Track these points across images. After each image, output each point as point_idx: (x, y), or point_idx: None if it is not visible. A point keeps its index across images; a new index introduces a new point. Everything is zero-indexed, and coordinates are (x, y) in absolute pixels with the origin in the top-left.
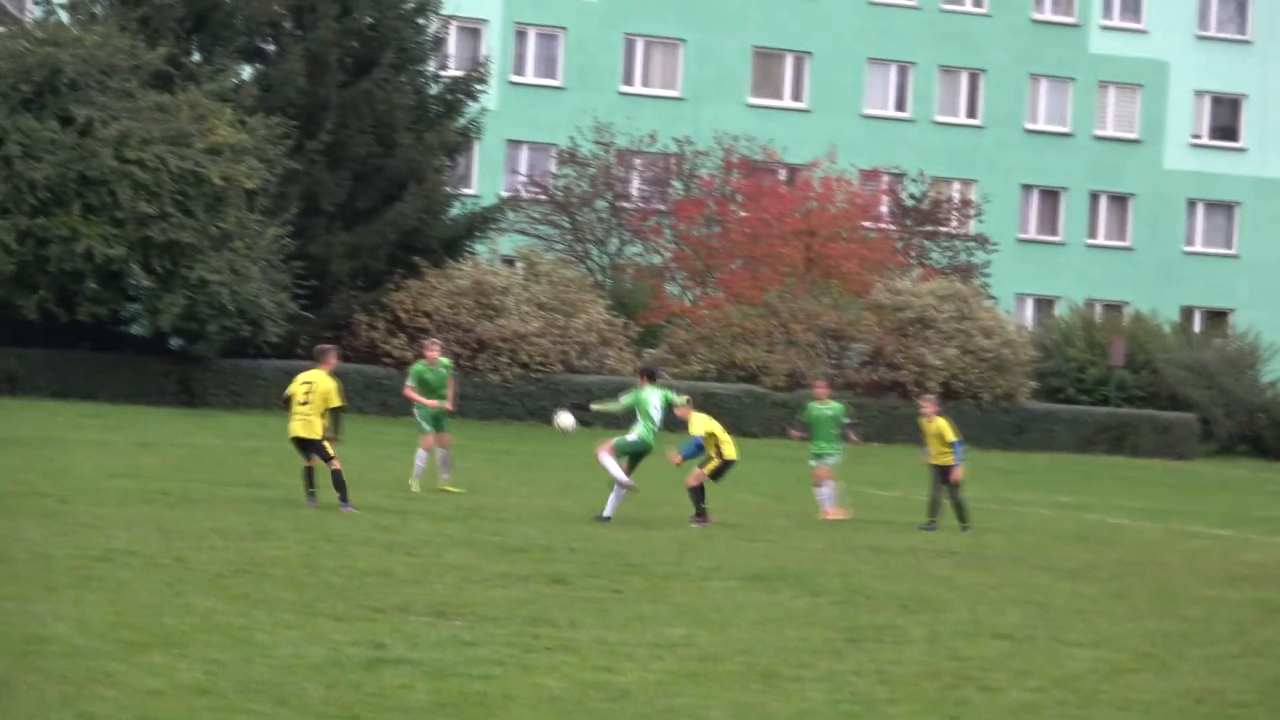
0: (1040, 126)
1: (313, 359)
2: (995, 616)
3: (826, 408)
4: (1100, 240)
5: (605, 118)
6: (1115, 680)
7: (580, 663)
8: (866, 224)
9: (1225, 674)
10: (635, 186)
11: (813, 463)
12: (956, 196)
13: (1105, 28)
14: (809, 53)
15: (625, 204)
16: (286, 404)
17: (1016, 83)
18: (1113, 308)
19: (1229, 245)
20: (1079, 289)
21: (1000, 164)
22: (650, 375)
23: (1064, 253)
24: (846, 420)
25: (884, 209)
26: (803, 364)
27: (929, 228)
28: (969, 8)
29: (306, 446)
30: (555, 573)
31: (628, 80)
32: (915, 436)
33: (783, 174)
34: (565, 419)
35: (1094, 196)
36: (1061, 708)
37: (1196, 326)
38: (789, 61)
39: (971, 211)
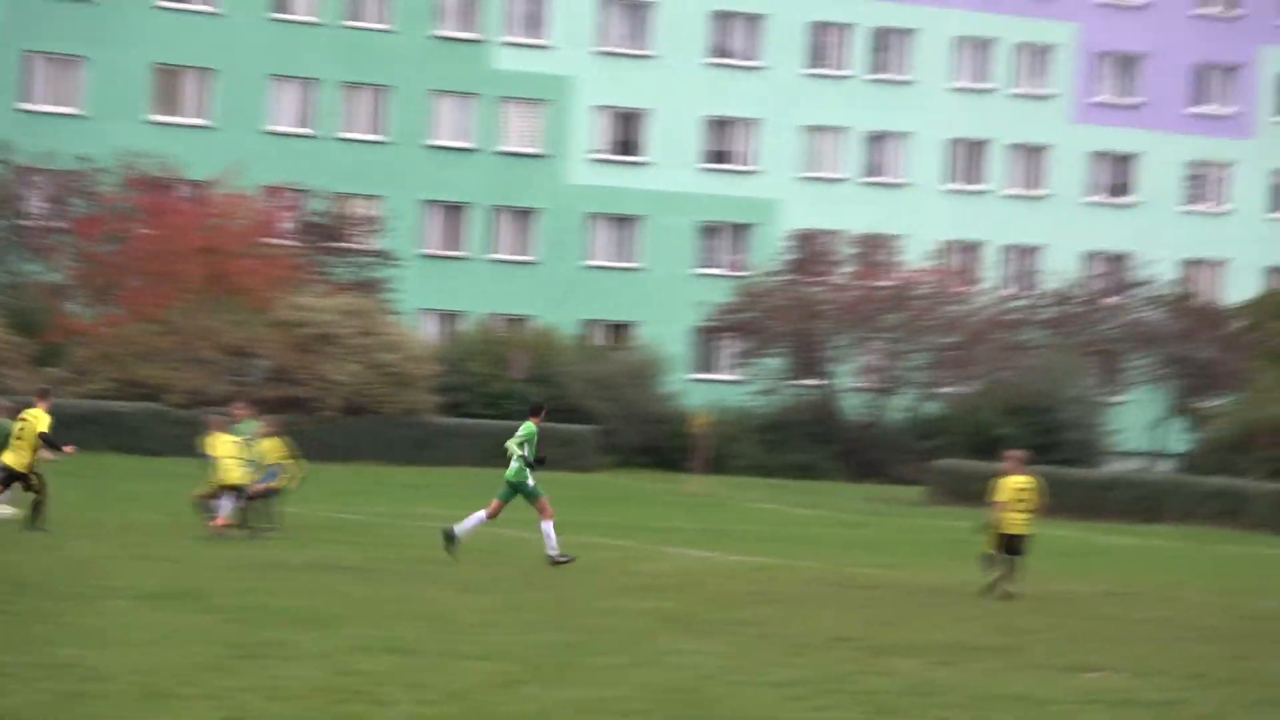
0: (444, 142)
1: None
2: (389, 630)
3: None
4: (503, 255)
5: (4, 135)
6: (507, 691)
7: None
8: (270, 240)
9: (616, 683)
10: (35, 204)
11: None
12: (361, 212)
13: (508, 44)
14: (212, 69)
15: (26, 222)
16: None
17: (420, 99)
18: (516, 321)
19: (631, 259)
20: (483, 303)
21: (404, 180)
22: (535, 411)
23: (467, 268)
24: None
25: (288, 225)
26: (205, 381)
27: (333, 244)
28: (372, 24)
29: (13, 477)
30: None
31: (28, 97)
32: (316, 453)
33: (186, 191)
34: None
35: (497, 211)
36: None
37: (599, 340)
38: (191, 78)
39: (375, 227)
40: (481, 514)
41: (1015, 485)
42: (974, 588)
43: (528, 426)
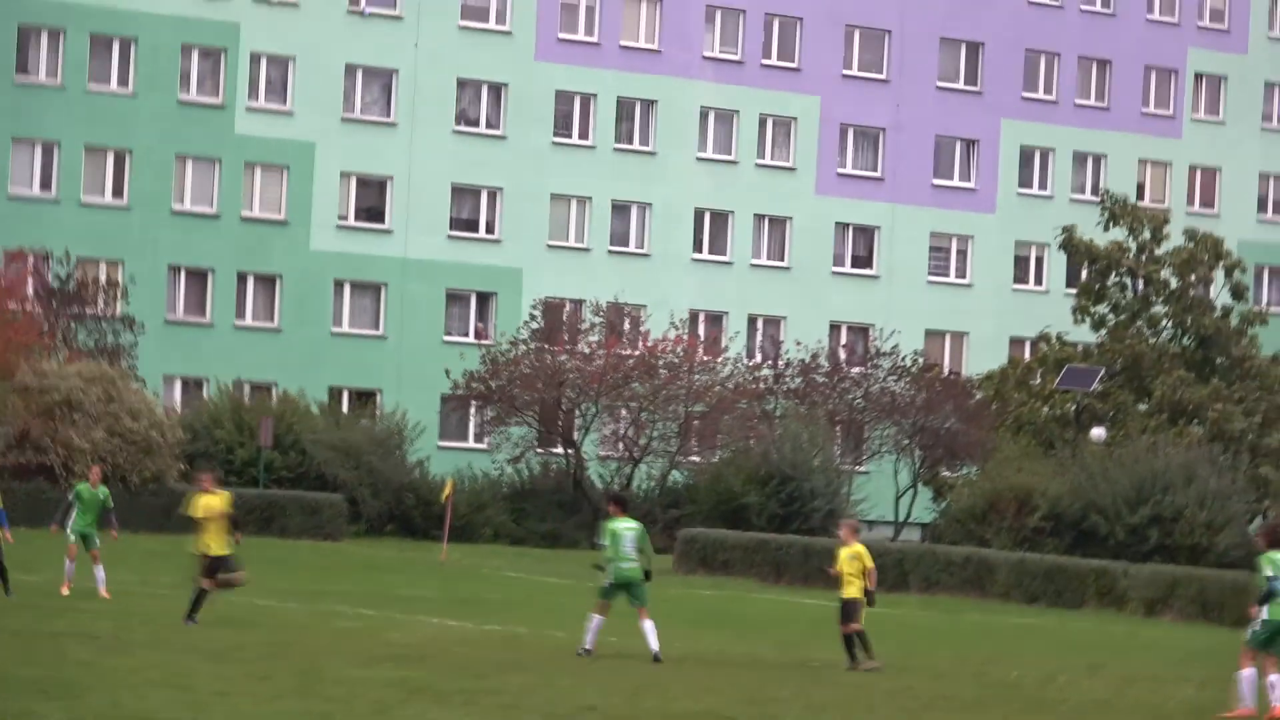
0: (187, 208)
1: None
2: (137, 700)
3: (99, 491)
4: (249, 321)
5: None
6: None
7: None
8: (12, 306)
9: None
10: None
11: (71, 537)
12: (103, 278)
13: (251, 109)
14: None
15: None
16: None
17: (163, 163)
18: (262, 388)
19: (376, 326)
20: (228, 370)
21: (148, 245)
22: (620, 504)
23: (212, 334)
24: (110, 507)
25: (30, 290)
26: None
27: (75, 309)
28: (114, 87)
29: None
30: None
31: None
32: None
33: None
34: None
35: (242, 278)
36: None
37: (345, 407)
38: None
39: (118, 293)
40: (646, 624)
41: (852, 553)
42: (734, 658)
43: (638, 525)
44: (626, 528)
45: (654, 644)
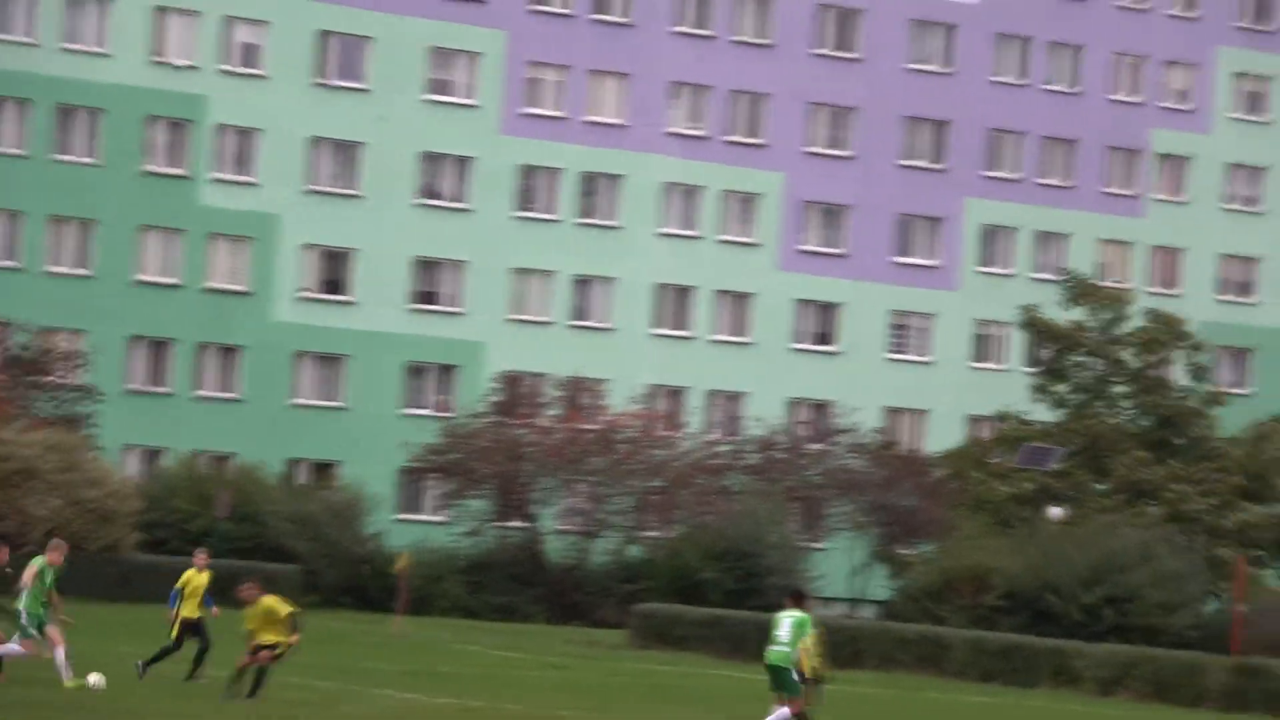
0: (150, 278)
1: None
2: None
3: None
4: (209, 391)
5: None
6: None
7: None
8: None
9: None
10: None
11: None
12: (65, 347)
13: (216, 180)
14: None
15: None
16: None
17: (127, 234)
18: (221, 459)
19: (336, 398)
20: (187, 440)
21: (110, 315)
22: (793, 597)
23: (172, 404)
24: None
25: None
26: None
27: (36, 378)
28: (80, 157)
29: None
30: None
31: None
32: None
33: None
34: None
35: (203, 348)
36: None
37: (303, 478)
38: None
39: (79, 362)
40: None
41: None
42: None
43: (800, 614)
44: (786, 615)
45: None
